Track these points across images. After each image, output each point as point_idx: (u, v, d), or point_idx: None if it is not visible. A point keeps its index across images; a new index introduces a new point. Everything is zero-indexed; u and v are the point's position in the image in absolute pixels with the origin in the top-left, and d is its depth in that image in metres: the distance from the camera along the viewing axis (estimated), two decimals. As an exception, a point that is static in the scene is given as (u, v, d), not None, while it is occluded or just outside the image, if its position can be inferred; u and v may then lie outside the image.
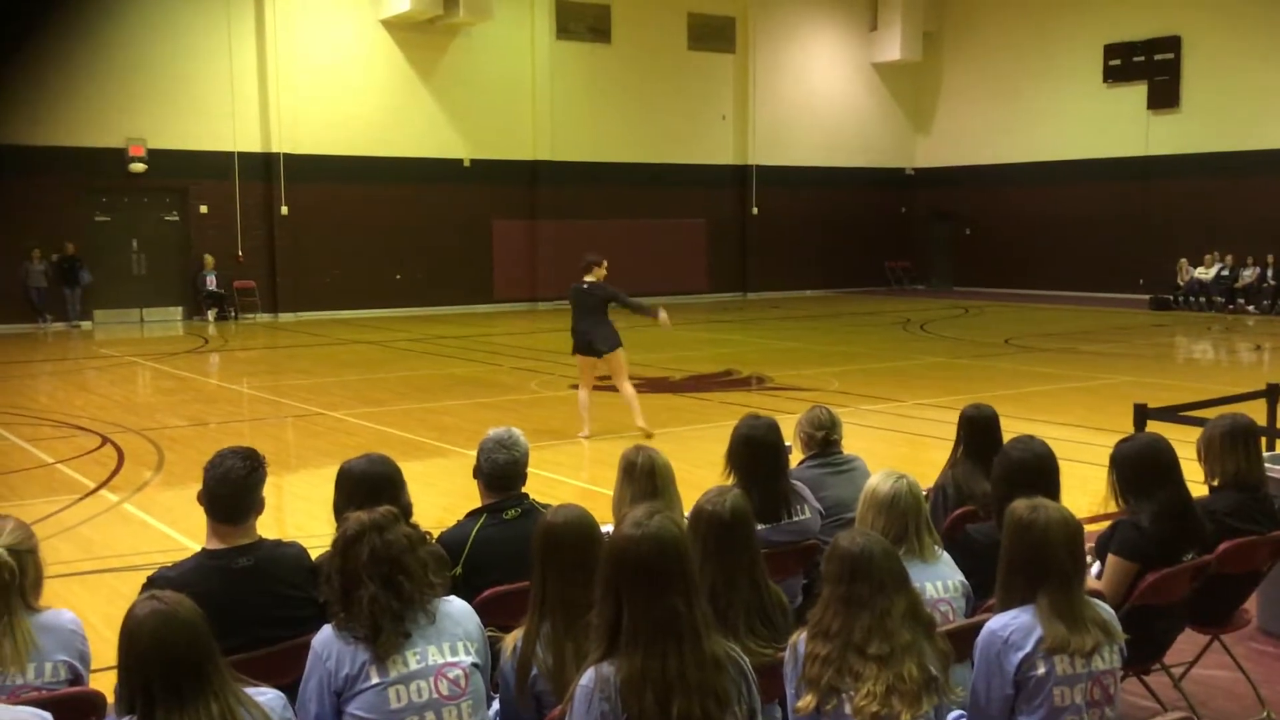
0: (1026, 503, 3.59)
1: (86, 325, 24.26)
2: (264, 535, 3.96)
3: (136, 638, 2.76)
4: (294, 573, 3.84)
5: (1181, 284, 27.53)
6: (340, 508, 4.10)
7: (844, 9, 33.72)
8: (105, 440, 11.62)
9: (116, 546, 7.94)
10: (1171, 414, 7.23)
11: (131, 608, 2.84)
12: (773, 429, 4.91)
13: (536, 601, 3.39)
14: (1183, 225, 28.40)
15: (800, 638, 3.22)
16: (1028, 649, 3.38)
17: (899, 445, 11.58)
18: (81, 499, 9.22)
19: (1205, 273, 27.23)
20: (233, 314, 25.66)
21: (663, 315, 11.82)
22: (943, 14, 34.47)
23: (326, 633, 3.28)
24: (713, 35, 31.68)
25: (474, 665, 3.30)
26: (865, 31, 34.15)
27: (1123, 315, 25.58)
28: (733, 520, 3.56)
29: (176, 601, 2.81)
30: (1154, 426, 6.71)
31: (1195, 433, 5.13)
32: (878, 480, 4.01)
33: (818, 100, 33.58)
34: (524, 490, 4.53)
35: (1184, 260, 27.63)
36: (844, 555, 3.19)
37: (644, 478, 4.50)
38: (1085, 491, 6.60)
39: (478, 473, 4.50)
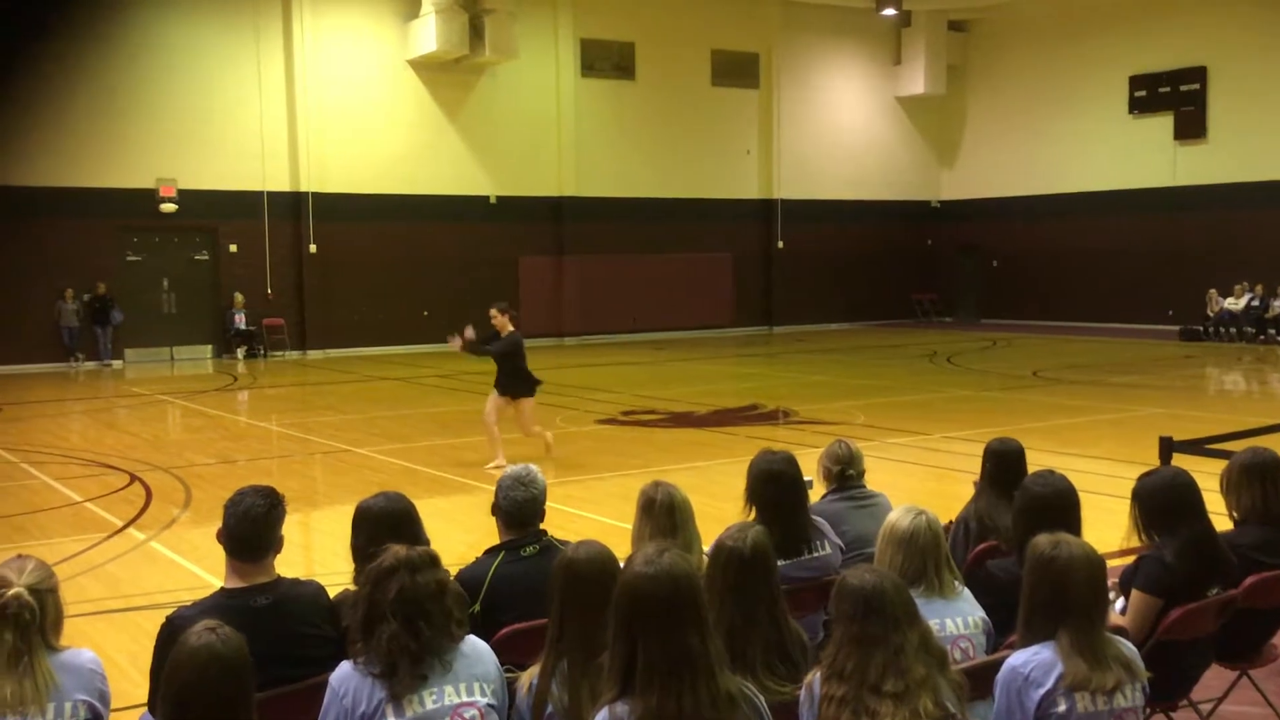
0: (1048, 538, 3.56)
1: (118, 364, 24.48)
2: (288, 573, 3.98)
3: (183, 667, 2.81)
4: (312, 611, 3.85)
5: (1211, 315, 27.31)
6: (360, 547, 4.10)
7: (867, 44, 33.85)
8: (134, 478, 11.70)
9: (143, 585, 7.98)
10: (1197, 446, 7.17)
11: (186, 635, 2.89)
12: (791, 462, 4.89)
13: (553, 638, 3.38)
14: (1211, 256, 28.23)
15: (815, 678, 3.19)
16: (1048, 686, 3.35)
17: (925, 479, 11.51)
18: (109, 537, 9.27)
19: (1235, 303, 27.02)
20: (262, 352, 25.84)
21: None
22: (967, 48, 34.55)
23: (345, 669, 3.28)
24: (737, 71, 31.84)
25: (490, 706, 3.30)
26: (889, 66, 34.25)
27: (1152, 347, 25.39)
28: (753, 557, 3.54)
29: (228, 641, 2.85)
30: (1180, 459, 6.65)
31: (1223, 465, 5.08)
32: (897, 516, 3.98)
33: (842, 134, 33.67)
34: (543, 527, 4.53)
35: (1213, 291, 27.42)
36: (855, 593, 3.17)
37: (663, 514, 4.50)
38: (1112, 525, 6.53)
39: (496, 510, 4.51)
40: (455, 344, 12.19)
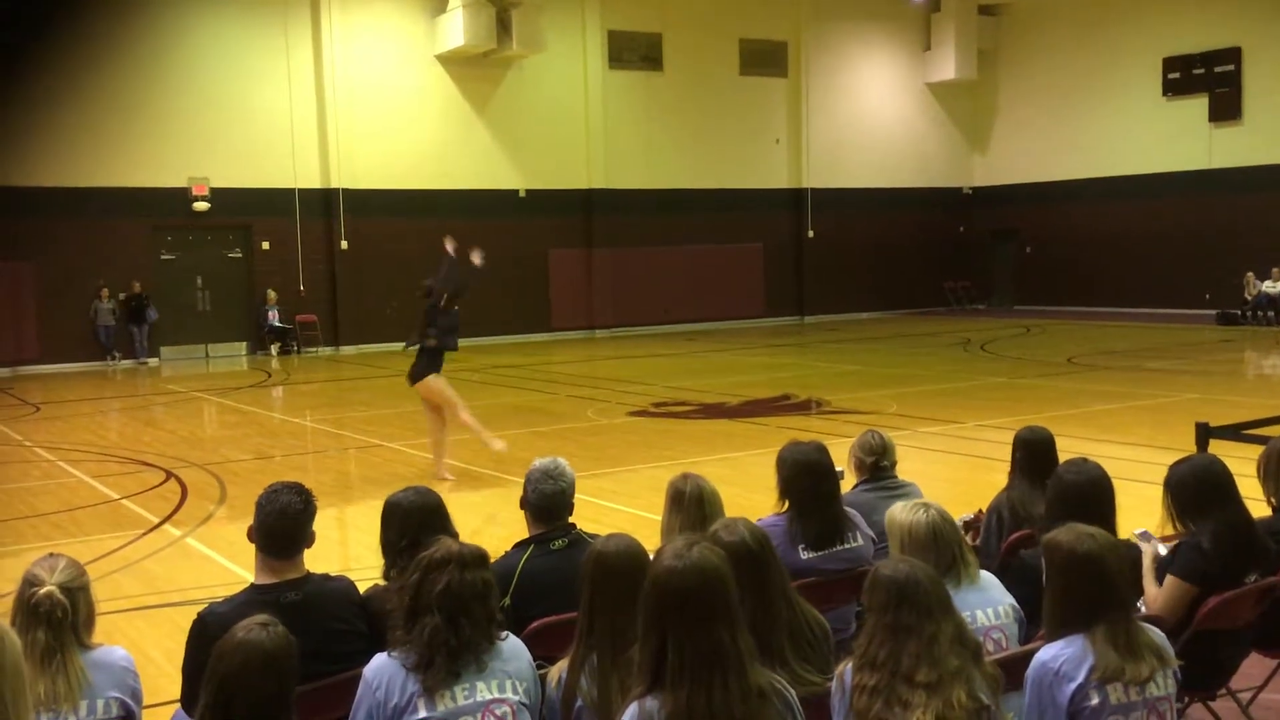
0: (1070, 533, 3.50)
1: (153, 362, 24.69)
2: (321, 568, 3.99)
3: (228, 660, 2.83)
4: (342, 607, 3.86)
5: (1249, 298, 27.00)
6: (391, 542, 4.11)
7: (897, 30, 33.63)
8: (169, 475, 11.80)
9: (179, 581, 8.03)
10: (1235, 432, 7.08)
11: (234, 629, 2.92)
12: (823, 451, 4.85)
13: (583, 632, 3.37)
14: (1248, 238, 27.88)
15: (847, 668, 3.17)
16: (1079, 680, 3.31)
17: (959, 468, 11.44)
18: (145, 534, 9.36)
19: (1273, 286, 26.69)
20: (295, 348, 26.00)
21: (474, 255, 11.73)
22: (997, 32, 34.24)
23: (380, 660, 3.30)
24: (765, 60, 31.72)
25: (521, 704, 3.30)
26: (919, 52, 34.01)
27: (1189, 331, 25.13)
28: (760, 548, 3.53)
29: (275, 639, 2.87)
30: (1217, 445, 6.57)
31: (1260, 451, 5.01)
32: (909, 518, 3.88)
33: (872, 122, 33.47)
34: (572, 520, 4.53)
35: (1250, 274, 27.09)
36: (889, 583, 3.14)
37: (692, 506, 4.49)
38: (1148, 512, 6.46)
39: (524, 503, 4.51)
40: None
